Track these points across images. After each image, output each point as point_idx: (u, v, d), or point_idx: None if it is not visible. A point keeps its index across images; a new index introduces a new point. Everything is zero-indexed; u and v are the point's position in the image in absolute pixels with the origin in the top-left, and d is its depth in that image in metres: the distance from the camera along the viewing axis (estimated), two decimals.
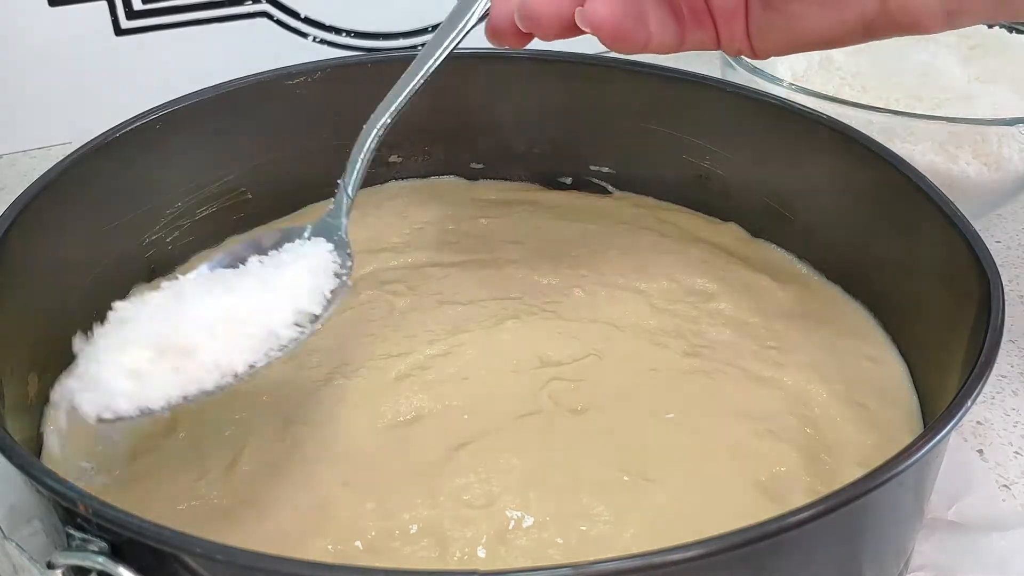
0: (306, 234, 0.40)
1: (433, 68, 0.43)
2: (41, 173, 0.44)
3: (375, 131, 0.43)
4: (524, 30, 0.39)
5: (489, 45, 0.57)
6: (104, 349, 0.32)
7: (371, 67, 0.55)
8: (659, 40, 0.39)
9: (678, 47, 0.40)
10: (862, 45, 0.61)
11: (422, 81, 0.43)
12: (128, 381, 0.31)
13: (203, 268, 0.38)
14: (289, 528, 0.37)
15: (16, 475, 0.31)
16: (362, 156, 0.42)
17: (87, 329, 0.46)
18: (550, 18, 0.37)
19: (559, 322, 0.47)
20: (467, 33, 0.43)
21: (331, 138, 0.55)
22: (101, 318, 0.47)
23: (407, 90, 0.43)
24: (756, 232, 0.54)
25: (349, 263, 0.40)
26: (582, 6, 0.37)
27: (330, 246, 0.40)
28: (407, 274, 0.51)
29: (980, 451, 0.46)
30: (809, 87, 0.56)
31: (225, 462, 0.39)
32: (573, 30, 0.38)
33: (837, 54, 0.60)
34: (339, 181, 0.43)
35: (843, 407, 0.43)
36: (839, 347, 0.46)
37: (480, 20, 0.42)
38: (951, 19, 0.35)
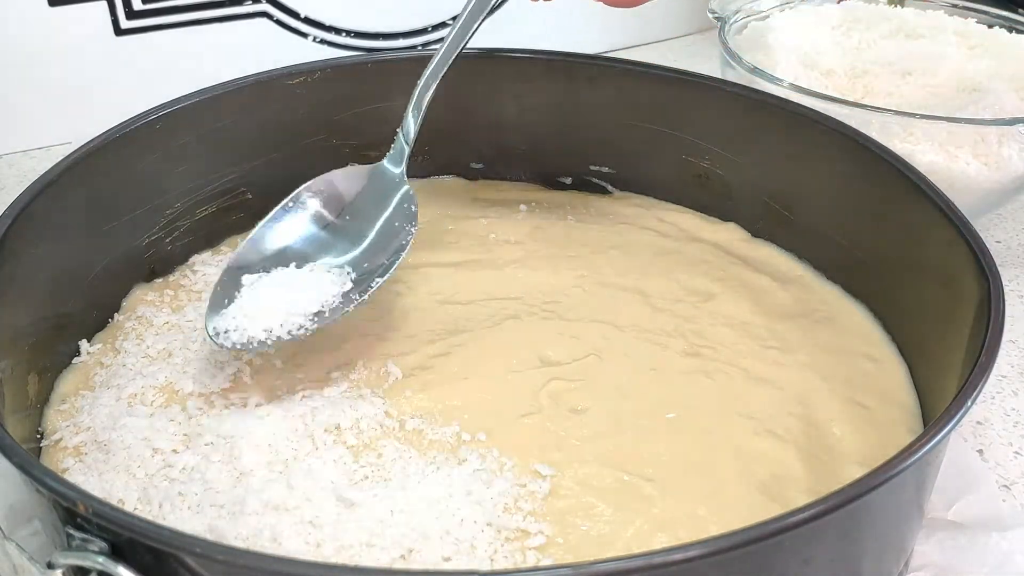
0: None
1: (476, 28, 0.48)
2: (41, 173, 0.44)
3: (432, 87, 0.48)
4: None
5: (489, 45, 0.57)
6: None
7: (371, 67, 0.55)
8: None
9: None
10: (863, 44, 0.61)
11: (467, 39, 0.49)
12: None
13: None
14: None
15: (16, 475, 0.31)
16: (422, 108, 0.49)
17: (87, 329, 0.46)
18: None
19: (559, 322, 0.47)
20: None
21: (330, 138, 0.55)
22: (101, 318, 0.48)
23: (456, 50, 0.48)
24: (756, 232, 0.54)
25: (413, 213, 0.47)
26: None
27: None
28: (407, 274, 0.51)
29: (980, 451, 0.46)
30: (809, 87, 0.56)
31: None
32: None
33: (836, 52, 0.60)
34: (397, 130, 0.49)
35: (843, 407, 0.43)
36: (839, 347, 0.46)
37: None
38: None
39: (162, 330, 0.47)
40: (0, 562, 0.30)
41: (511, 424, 0.41)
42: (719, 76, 0.58)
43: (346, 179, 0.48)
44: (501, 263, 0.52)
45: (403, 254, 0.45)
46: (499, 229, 0.55)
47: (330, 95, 0.54)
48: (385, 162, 0.49)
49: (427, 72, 0.49)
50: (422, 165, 0.59)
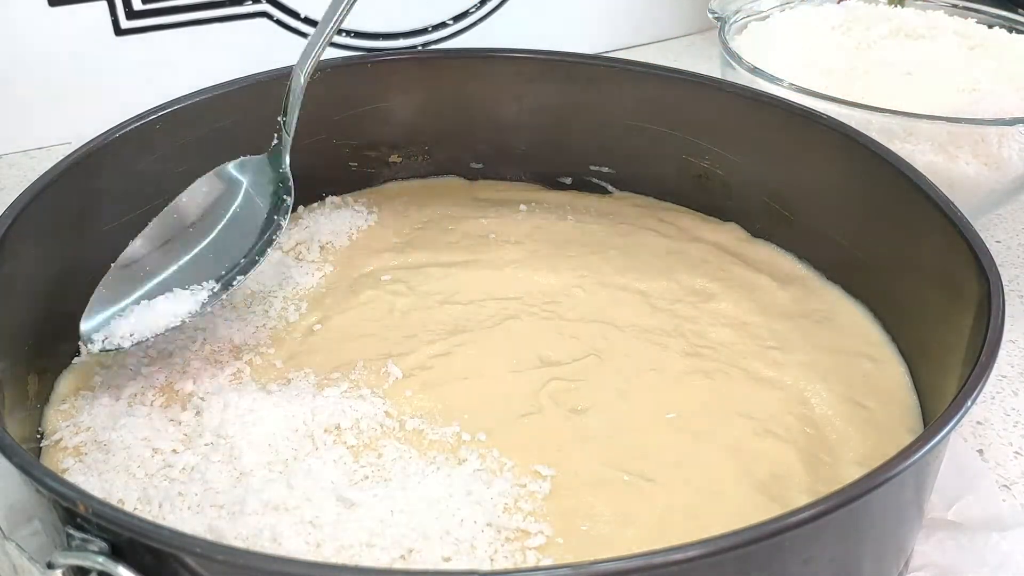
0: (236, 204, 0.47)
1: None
2: (41, 173, 0.44)
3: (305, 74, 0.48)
4: None
5: (489, 45, 0.57)
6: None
7: (371, 67, 0.55)
8: None
9: None
10: (863, 44, 0.61)
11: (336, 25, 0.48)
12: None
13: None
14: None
15: (16, 475, 0.31)
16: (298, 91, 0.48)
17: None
18: None
19: (559, 322, 0.47)
20: None
21: (330, 138, 0.56)
22: None
23: (326, 33, 0.48)
24: (756, 232, 0.54)
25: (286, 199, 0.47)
26: None
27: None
28: (407, 274, 0.51)
29: (980, 451, 0.46)
30: (809, 87, 0.56)
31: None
32: None
33: (836, 52, 0.60)
34: (279, 119, 0.48)
35: (843, 407, 0.43)
36: (839, 347, 0.46)
37: None
38: None
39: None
40: (0, 562, 0.30)
41: (511, 424, 0.41)
42: (719, 76, 0.58)
43: (220, 179, 0.48)
44: (501, 263, 0.52)
45: (269, 249, 0.45)
46: (499, 229, 0.55)
47: (330, 95, 0.54)
48: (265, 156, 0.48)
49: (309, 58, 0.48)
50: (422, 165, 0.59)
